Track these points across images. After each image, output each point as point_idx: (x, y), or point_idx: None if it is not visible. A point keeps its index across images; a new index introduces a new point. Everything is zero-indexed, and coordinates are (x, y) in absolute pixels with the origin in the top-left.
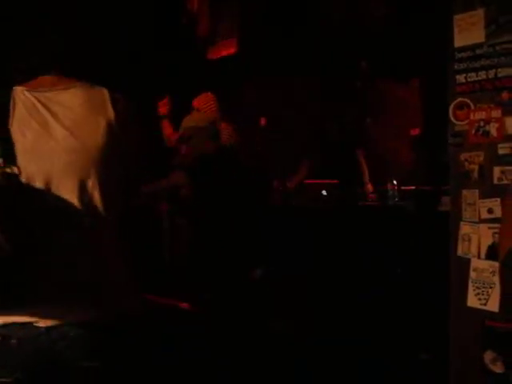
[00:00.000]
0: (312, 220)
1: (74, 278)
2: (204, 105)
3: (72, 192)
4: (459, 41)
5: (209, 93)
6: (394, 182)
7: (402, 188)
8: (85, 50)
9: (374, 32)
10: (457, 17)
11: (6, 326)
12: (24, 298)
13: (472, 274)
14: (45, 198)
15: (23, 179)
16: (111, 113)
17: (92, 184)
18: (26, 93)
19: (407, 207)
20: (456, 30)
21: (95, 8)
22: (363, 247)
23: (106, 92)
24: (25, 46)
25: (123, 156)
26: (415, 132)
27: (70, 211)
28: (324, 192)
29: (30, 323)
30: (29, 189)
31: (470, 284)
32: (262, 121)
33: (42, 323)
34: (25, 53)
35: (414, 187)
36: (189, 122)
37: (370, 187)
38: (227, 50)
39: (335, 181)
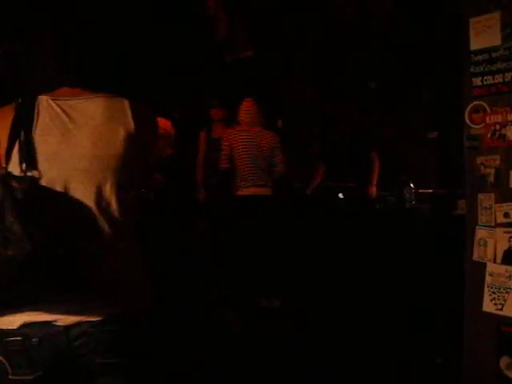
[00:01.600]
0: (329, 222)
1: (91, 278)
2: None
3: (90, 197)
4: (475, 44)
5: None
6: (411, 185)
7: (420, 191)
8: (105, 63)
9: (388, 34)
10: (473, 20)
11: (26, 325)
12: (43, 298)
13: (488, 279)
14: (63, 202)
15: (44, 184)
16: (131, 123)
17: (109, 190)
18: (50, 101)
19: (423, 210)
20: (472, 32)
21: (120, 22)
22: (378, 249)
23: (126, 102)
24: (46, 62)
25: (142, 163)
26: (433, 135)
27: (88, 215)
28: (341, 195)
29: (49, 322)
30: (49, 193)
31: (486, 289)
32: (278, 123)
33: (61, 322)
34: (46, 69)
35: (431, 190)
36: None
37: (374, 190)
38: (245, 52)
39: (352, 184)
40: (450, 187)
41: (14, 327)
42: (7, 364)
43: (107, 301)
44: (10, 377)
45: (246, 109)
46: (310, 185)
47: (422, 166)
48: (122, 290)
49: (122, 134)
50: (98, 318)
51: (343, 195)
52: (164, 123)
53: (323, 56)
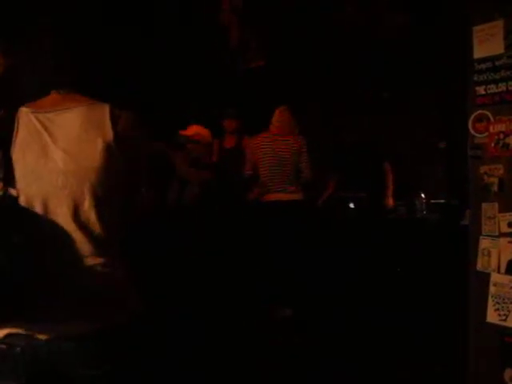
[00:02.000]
0: (340, 233)
1: (72, 293)
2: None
3: (67, 213)
4: (478, 52)
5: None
6: (422, 196)
7: (431, 201)
8: (94, 65)
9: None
10: (476, 28)
11: (11, 335)
12: (26, 311)
13: (492, 289)
14: (41, 221)
15: (23, 201)
16: (110, 132)
17: (88, 205)
18: (30, 114)
19: (433, 220)
20: (475, 41)
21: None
22: (388, 258)
23: (107, 109)
24: (31, 64)
25: (125, 174)
26: (443, 145)
27: (65, 233)
28: (352, 205)
29: (31, 335)
30: (26, 211)
31: (490, 299)
32: None
33: (42, 336)
34: (31, 71)
35: (443, 201)
36: None
37: (391, 201)
38: (257, 61)
39: (363, 194)
40: (460, 197)
41: (1, 336)
42: None
43: (86, 316)
44: None
45: (279, 118)
46: (321, 196)
47: (434, 176)
48: (100, 306)
49: (100, 145)
50: (77, 333)
51: (354, 205)
52: (205, 131)
53: (335, 66)
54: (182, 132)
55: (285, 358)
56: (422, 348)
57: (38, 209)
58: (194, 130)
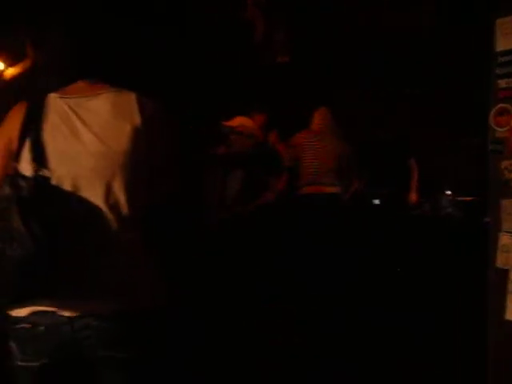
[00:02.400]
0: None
1: (98, 273)
2: None
3: (98, 194)
4: (501, 45)
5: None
6: (448, 192)
7: (459, 198)
8: (118, 57)
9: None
10: (499, 20)
11: (34, 313)
12: (50, 290)
13: (511, 286)
14: (72, 200)
15: (53, 182)
16: (138, 118)
17: (118, 187)
18: (58, 99)
19: (458, 218)
20: (498, 33)
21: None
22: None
23: (134, 97)
24: (55, 55)
25: (151, 159)
26: (471, 141)
27: (95, 212)
28: (377, 201)
29: (55, 312)
30: (57, 191)
31: (509, 296)
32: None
33: (66, 313)
34: (55, 62)
35: (471, 198)
36: None
37: (415, 198)
38: (282, 57)
39: (388, 190)
40: (485, 194)
41: (23, 315)
42: (17, 350)
43: (111, 296)
44: (19, 363)
45: (319, 119)
46: (348, 190)
47: (460, 172)
48: (126, 287)
49: (128, 129)
50: (101, 313)
51: (379, 201)
52: (250, 122)
53: (364, 60)
54: (226, 123)
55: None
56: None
57: (68, 188)
58: (238, 121)
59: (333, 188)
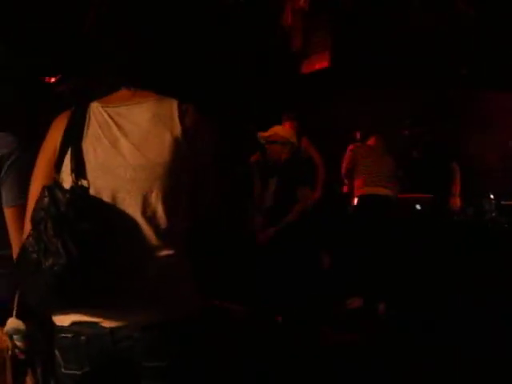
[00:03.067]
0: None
1: (138, 283)
2: None
3: (135, 206)
4: None
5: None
6: (491, 196)
7: (502, 203)
8: (159, 65)
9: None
10: None
11: (76, 323)
12: (90, 302)
13: None
14: (109, 212)
15: (92, 193)
16: (178, 127)
17: (155, 199)
18: (100, 109)
19: (502, 223)
20: None
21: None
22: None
23: (175, 105)
24: (98, 63)
25: (192, 169)
26: None
27: (132, 225)
28: (418, 206)
29: (96, 323)
30: (95, 203)
31: None
32: (357, 134)
33: (107, 324)
34: (98, 71)
35: None
36: None
37: (457, 202)
38: (320, 63)
39: (430, 195)
40: None
41: (66, 324)
42: (60, 358)
43: (151, 307)
44: (63, 371)
45: (376, 140)
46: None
47: (505, 176)
48: (165, 297)
49: (168, 140)
50: (141, 324)
51: (420, 207)
52: (285, 131)
53: (402, 66)
54: (262, 133)
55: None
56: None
57: (107, 200)
58: (272, 130)
59: (389, 191)
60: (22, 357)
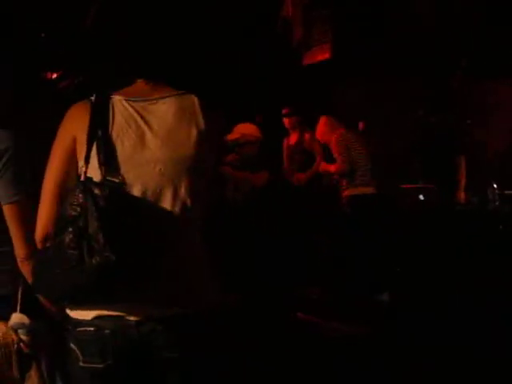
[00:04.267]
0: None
1: (163, 276)
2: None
3: (166, 200)
4: None
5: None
6: (495, 186)
7: (506, 192)
8: (176, 57)
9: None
10: None
11: (100, 317)
12: (116, 295)
13: None
14: (144, 206)
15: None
16: (201, 121)
17: (184, 192)
18: (124, 102)
19: (505, 212)
20: None
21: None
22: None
23: (196, 100)
24: (115, 54)
25: (209, 162)
26: None
27: (164, 217)
28: (421, 196)
29: (122, 317)
30: (129, 199)
31: None
32: (360, 125)
33: (133, 317)
34: (115, 61)
35: None
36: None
37: (463, 195)
38: (322, 55)
39: (432, 185)
40: None
41: (88, 318)
42: (79, 352)
43: (176, 299)
44: (81, 364)
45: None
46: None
47: (509, 165)
48: (190, 290)
49: (194, 133)
50: (166, 316)
51: (423, 197)
52: (250, 128)
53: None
54: (229, 136)
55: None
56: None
57: (137, 194)
58: (239, 131)
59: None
60: (26, 350)
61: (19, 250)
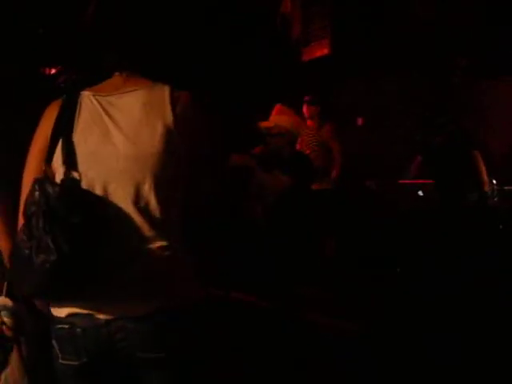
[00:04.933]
0: (407, 221)
1: (132, 274)
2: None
3: (128, 197)
4: None
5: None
6: (494, 182)
7: (505, 188)
8: (157, 50)
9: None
10: None
11: (72, 315)
12: (86, 293)
13: None
14: (103, 203)
15: (83, 185)
16: (169, 115)
17: (148, 189)
18: (91, 97)
19: (504, 208)
20: None
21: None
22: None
23: (167, 92)
24: (95, 47)
25: (186, 158)
26: None
27: (125, 216)
28: (420, 192)
29: (92, 315)
30: (87, 194)
31: None
32: (359, 121)
33: (102, 316)
34: (95, 54)
35: None
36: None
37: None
38: (321, 51)
39: (431, 181)
40: None
41: (62, 315)
42: (58, 349)
43: (145, 298)
44: (61, 361)
45: None
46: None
47: (508, 162)
48: (160, 288)
49: (159, 128)
50: (136, 315)
51: (422, 193)
52: (286, 121)
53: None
54: (264, 124)
55: None
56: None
57: (99, 192)
58: (272, 120)
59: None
60: (8, 333)
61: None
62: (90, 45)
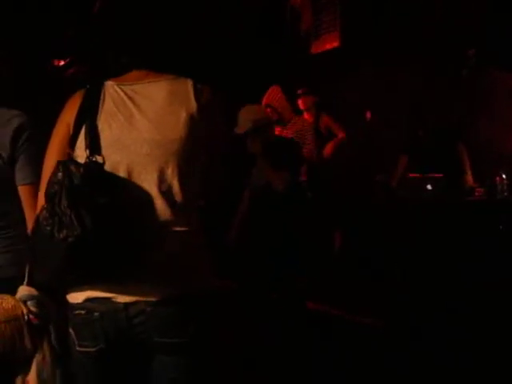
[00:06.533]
0: (417, 215)
1: (152, 258)
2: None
3: (151, 181)
4: None
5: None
6: (504, 176)
7: None
8: (175, 46)
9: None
10: None
11: (89, 300)
12: (103, 277)
13: None
14: (125, 187)
15: (107, 169)
16: (193, 105)
17: (171, 174)
18: (115, 87)
19: None
20: None
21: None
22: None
23: (190, 84)
24: (114, 46)
25: (206, 146)
26: None
27: (148, 199)
28: (429, 186)
29: (109, 298)
30: (111, 177)
31: None
32: (368, 114)
33: (121, 299)
34: (114, 53)
35: None
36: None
37: (470, 178)
38: (331, 43)
39: (440, 175)
40: None
41: (79, 301)
42: (74, 336)
43: (165, 282)
44: (77, 348)
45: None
46: (393, 177)
47: None
48: (180, 272)
49: (183, 116)
50: (155, 298)
51: (431, 186)
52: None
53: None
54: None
55: None
56: None
57: (123, 175)
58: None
59: None
60: (36, 322)
61: None
62: (98, 43)
